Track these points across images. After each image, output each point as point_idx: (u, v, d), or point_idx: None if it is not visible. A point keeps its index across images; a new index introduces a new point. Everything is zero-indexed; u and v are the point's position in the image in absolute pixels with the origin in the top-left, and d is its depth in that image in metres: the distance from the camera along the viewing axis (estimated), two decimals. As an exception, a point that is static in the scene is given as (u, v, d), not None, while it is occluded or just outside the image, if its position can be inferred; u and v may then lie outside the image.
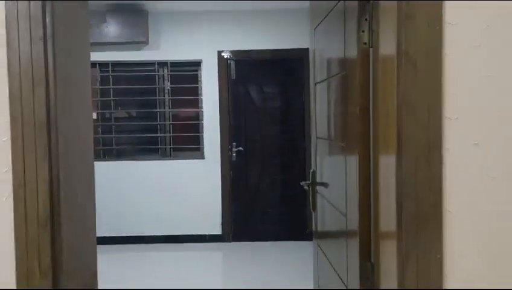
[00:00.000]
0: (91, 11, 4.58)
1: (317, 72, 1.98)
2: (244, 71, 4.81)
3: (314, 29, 1.97)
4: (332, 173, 1.74)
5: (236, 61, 4.79)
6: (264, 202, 4.86)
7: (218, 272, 4.10)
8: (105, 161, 4.87)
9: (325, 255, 1.85)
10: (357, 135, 1.33)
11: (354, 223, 1.39)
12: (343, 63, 1.50)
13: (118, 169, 4.81)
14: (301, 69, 4.58)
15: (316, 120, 2.00)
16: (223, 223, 4.83)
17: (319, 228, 1.98)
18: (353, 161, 1.38)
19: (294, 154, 4.83)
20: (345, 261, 1.50)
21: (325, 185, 1.85)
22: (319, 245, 1.98)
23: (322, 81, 1.85)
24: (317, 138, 1.99)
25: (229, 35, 4.74)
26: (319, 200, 1.94)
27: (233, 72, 4.79)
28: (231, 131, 4.80)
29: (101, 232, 4.77)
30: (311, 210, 1.97)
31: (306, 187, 1.95)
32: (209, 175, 4.80)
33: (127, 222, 4.83)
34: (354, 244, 1.38)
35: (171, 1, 4.33)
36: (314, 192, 1.94)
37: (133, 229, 4.83)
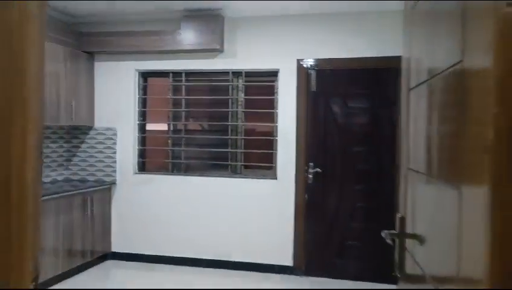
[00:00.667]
0: (166, 18, 4.44)
1: (412, 74, 1.38)
2: (326, 82, 4.24)
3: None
4: (433, 226, 1.11)
5: (317, 71, 4.24)
6: (344, 234, 4.20)
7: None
8: (174, 174, 4.59)
9: None
10: (487, 173, 0.72)
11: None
12: (462, 44, 0.88)
13: (186, 184, 4.50)
14: (393, 82, 3.89)
15: (408, 143, 1.39)
16: (295, 254, 4.26)
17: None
18: (477, 213, 0.77)
19: (380, 181, 4.11)
20: None
21: (419, 239, 1.23)
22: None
23: (420, 84, 1.24)
24: (408, 169, 1.38)
25: (311, 42, 4.22)
26: (408, 259, 1.31)
27: (313, 83, 4.25)
28: (308, 150, 4.24)
29: (157, 250, 4.50)
30: (397, 273, 1.35)
31: (390, 241, 1.34)
32: (282, 198, 4.28)
33: (188, 242, 4.48)
34: None
35: (253, 1, 3.94)
36: (403, 248, 1.32)
37: (192, 250, 4.46)
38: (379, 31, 4.04)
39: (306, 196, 4.25)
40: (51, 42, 4.08)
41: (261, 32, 4.33)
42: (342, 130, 4.21)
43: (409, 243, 1.33)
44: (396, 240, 1.33)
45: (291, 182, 4.26)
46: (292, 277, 4.22)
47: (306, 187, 4.24)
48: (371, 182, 4.14)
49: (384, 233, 1.35)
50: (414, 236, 1.29)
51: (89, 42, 4.56)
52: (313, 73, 4.25)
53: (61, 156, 4.73)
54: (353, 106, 4.20)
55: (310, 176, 4.22)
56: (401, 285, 1.48)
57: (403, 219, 1.35)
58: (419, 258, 1.22)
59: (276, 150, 4.34)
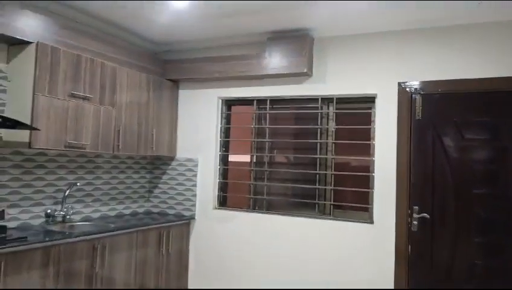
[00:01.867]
0: (251, 41, 4.10)
1: None
2: (434, 109, 3.52)
3: None
4: None
5: (423, 96, 3.55)
6: (458, 296, 3.35)
7: None
8: (255, 212, 4.15)
9: None
10: None
11: None
12: None
13: (268, 223, 4.04)
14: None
15: None
16: (394, 315, 3.51)
17: None
18: None
19: (507, 233, 3.23)
20: None
21: None
22: None
23: None
24: None
25: (415, 61, 3.56)
26: None
27: (418, 110, 3.56)
28: (413, 190, 3.52)
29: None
30: None
31: None
32: (379, 247, 3.59)
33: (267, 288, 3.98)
34: None
35: (345, 18, 3.45)
36: None
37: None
38: (500, 45, 3.25)
39: (409, 246, 3.50)
40: (135, 70, 3.99)
41: (355, 52, 3.78)
42: (455, 167, 3.42)
43: None
44: None
45: (391, 228, 3.56)
46: None
47: (409, 236, 3.51)
48: (496, 234, 3.27)
49: None
50: None
51: (172, 69, 4.42)
52: (418, 98, 3.56)
53: (143, 187, 4.59)
54: (471, 137, 3.41)
55: (415, 222, 3.48)
56: None
57: None
58: None
59: (372, 188, 3.69)
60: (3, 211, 3.15)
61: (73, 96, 3.34)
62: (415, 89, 3.56)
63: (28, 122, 3.00)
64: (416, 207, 3.49)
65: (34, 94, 3.05)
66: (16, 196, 3.29)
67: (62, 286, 2.99)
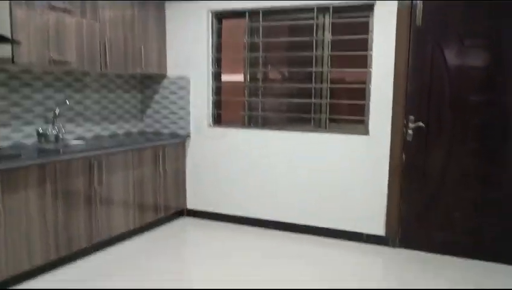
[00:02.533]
0: None
1: None
2: (435, 16, 3.37)
3: None
4: None
5: (425, 2, 3.38)
6: (449, 203, 3.46)
7: (373, 285, 2.98)
8: (250, 128, 4.13)
9: None
10: None
11: None
12: None
13: (264, 139, 4.03)
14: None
15: None
16: (387, 222, 3.64)
17: None
18: None
19: (505, 140, 3.25)
20: None
21: None
22: None
23: None
24: None
25: (418, -38, 3.34)
26: None
27: (418, 16, 3.41)
28: (409, 100, 3.49)
29: (233, 210, 4.15)
30: None
31: None
32: (374, 157, 3.63)
33: (264, 203, 4.07)
34: None
35: None
36: None
37: (269, 213, 4.05)
38: None
39: (404, 155, 3.54)
40: (116, -19, 3.72)
41: (353, -45, 3.54)
42: (453, 75, 3.36)
43: None
44: None
45: (386, 138, 3.57)
46: (384, 248, 3.64)
47: (404, 145, 3.53)
48: (491, 140, 3.30)
49: None
50: None
51: (158, -19, 4.13)
52: (418, 4, 3.39)
53: (135, 107, 4.50)
54: (471, 43, 3.30)
55: (410, 131, 3.49)
56: None
57: None
58: None
59: (368, 100, 3.64)
60: (-7, 130, 3.09)
61: (52, 8, 3.12)
62: (416, -7, 3.38)
63: (8, 36, 2.83)
64: (412, 117, 3.48)
65: (10, 8, 2.84)
66: (5, 115, 3.20)
67: (61, 204, 3.01)
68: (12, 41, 2.80)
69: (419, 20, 3.41)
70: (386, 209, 3.63)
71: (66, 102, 3.60)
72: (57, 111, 3.52)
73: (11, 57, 2.87)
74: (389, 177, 3.59)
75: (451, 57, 3.34)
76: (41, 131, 3.44)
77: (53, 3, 3.11)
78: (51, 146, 3.35)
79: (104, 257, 3.36)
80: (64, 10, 3.22)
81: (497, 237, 3.31)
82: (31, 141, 3.41)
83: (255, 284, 2.92)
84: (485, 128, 3.30)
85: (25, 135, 3.36)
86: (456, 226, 3.45)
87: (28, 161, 2.75)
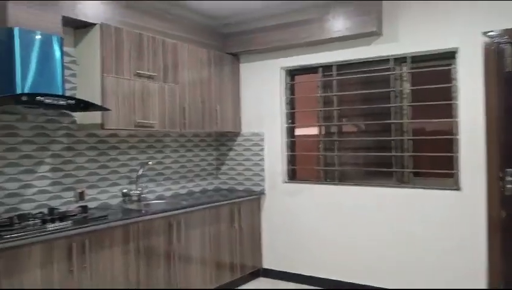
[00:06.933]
0: (313, 4, 3.82)
1: None
2: (528, 59, 3.12)
3: None
4: None
5: (514, 45, 3.16)
6: None
7: None
8: (327, 184, 3.99)
9: None
10: None
11: None
12: None
13: (341, 195, 3.86)
14: None
15: None
16: (490, 285, 3.23)
17: None
18: None
19: None
20: None
21: None
22: None
23: None
24: None
25: (503, 6, 3.16)
26: None
27: (508, 61, 3.17)
28: (504, 151, 3.18)
29: (311, 270, 3.92)
30: None
31: None
32: (467, 214, 3.30)
33: (344, 263, 3.82)
34: None
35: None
36: None
37: (349, 273, 3.78)
38: None
39: (503, 212, 3.19)
40: (195, 46, 3.92)
41: (430, 4, 3.43)
42: (556, 122, 3.03)
43: None
44: None
45: (481, 193, 3.25)
46: (487, 318, 3.21)
47: (502, 201, 3.18)
48: None
49: None
50: None
51: (232, 43, 4.30)
52: (507, 48, 3.17)
53: (211, 164, 4.57)
54: None
55: (509, 186, 3.15)
56: None
57: None
58: None
59: (458, 152, 3.38)
60: (83, 191, 3.24)
61: (138, 75, 3.33)
62: (502, 38, 3.17)
63: (99, 104, 3.03)
64: (509, 170, 3.15)
65: (102, 75, 3.07)
66: (94, 177, 3.37)
67: (144, 261, 3.03)
68: (103, 108, 2.99)
69: (508, 65, 3.17)
70: (486, 273, 3.23)
71: (148, 163, 3.73)
72: (140, 172, 3.65)
73: (101, 123, 3.05)
74: (488, 237, 3.22)
75: (552, 103, 3.04)
76: (125, 191, 3.57)
77: (139, 71, 3.32)
78: (134, 206, 3.45)
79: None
80: (149, 77, 3.41)
81: None
82: (116, 201, 3.53)
83: None
84: None
85: (110, 195, 3.49)
86: None
87: (114, 223, 2.83)
